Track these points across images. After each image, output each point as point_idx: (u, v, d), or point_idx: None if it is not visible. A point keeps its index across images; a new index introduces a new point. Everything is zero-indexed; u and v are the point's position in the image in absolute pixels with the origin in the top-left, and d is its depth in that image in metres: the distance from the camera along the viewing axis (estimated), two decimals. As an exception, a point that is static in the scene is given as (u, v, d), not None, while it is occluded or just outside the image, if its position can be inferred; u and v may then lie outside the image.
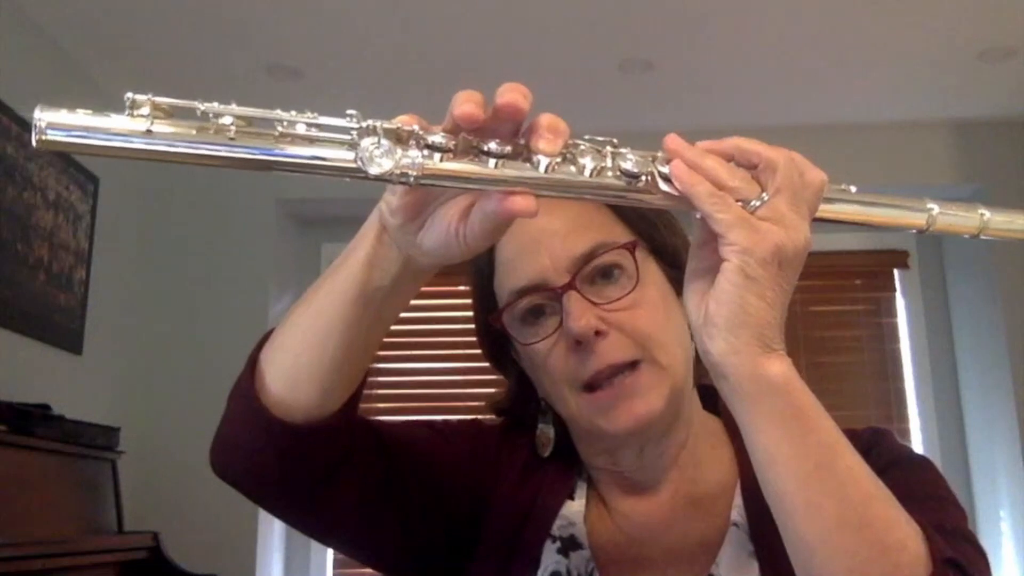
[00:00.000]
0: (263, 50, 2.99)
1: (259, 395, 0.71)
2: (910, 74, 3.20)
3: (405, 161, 0.56)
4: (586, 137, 0.60)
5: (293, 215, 3.72)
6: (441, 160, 0.57)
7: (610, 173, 0.59)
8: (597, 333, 0.77)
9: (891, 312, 3.71)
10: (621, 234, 0.81)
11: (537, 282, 0.80)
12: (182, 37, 2.90)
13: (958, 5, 2.76)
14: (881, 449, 0.79)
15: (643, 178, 0.59)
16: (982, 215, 0.65)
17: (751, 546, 0.78)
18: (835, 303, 3.72)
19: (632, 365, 0.78)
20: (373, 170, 0.56)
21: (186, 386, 3.22)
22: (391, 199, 0.62)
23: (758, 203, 0.59)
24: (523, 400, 0.89)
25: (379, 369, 3.60)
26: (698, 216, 0.60)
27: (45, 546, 2.04)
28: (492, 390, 0.96)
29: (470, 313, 0.89)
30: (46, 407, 2.38)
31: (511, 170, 0.58)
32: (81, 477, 2.49)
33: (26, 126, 2.68)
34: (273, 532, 3.40)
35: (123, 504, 2.65)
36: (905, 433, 3.58)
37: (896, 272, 3.75)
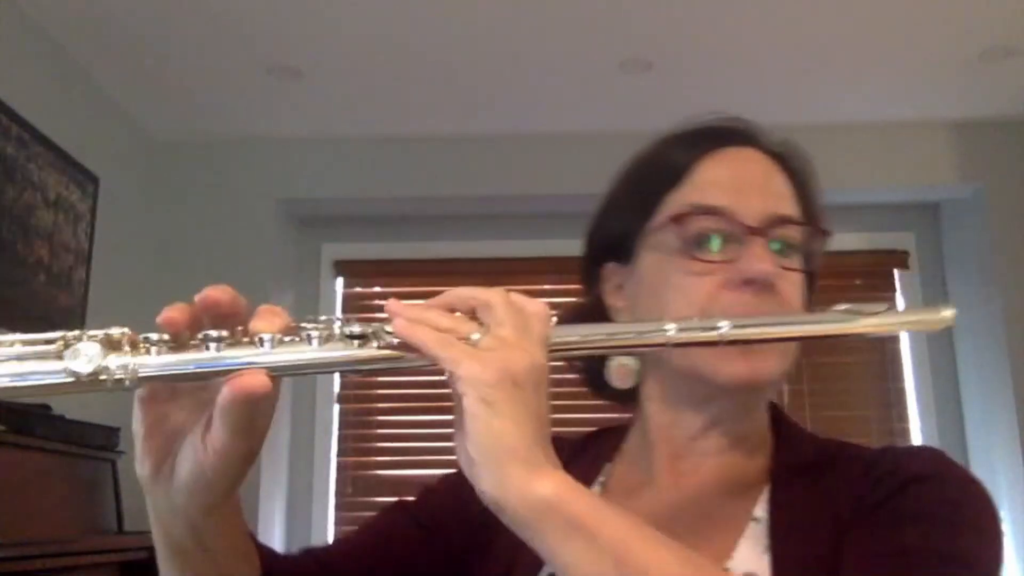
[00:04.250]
0: (263, 50, 2.99)
1: None
2: (910, 74, 3.20)
3: (116, 363, 0.56)
4: (309, 317, 0.61)
5: (293, 215, 3.72)
6: (156, 355, 0.56)
7: (339, 341, 0.60)
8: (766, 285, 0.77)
9: (891, 312, 3.71)
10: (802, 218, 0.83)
11: (733, 211, 0.78)
12: (182, 37, 2.90)
13: (958, 5, 2.76)
14: (896, 468, 0.76)
15: (372, 338, 0.60)
16: (718, 328, 0.66)
17: (767, 540, 0.77)
18: (835, 303, 3.70)
19: None
20: (79, 368, 0.55)
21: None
22: (138, 454, 0.63)
23: (479, 335, 0.61)
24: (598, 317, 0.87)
25: (379, 369, 3.57)
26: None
27: (45, 546, 2.03)
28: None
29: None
30: (46, 407, 2.38)
31: (234, 351, 0.57)
32: (81, 477, 2.49)
33: (26, 126, 2.68)
34: (273, 534, 3.39)
35: (123, 504, 2.64)
36: (905, 433, 3.58)
37: (896, 272, 3.75)
